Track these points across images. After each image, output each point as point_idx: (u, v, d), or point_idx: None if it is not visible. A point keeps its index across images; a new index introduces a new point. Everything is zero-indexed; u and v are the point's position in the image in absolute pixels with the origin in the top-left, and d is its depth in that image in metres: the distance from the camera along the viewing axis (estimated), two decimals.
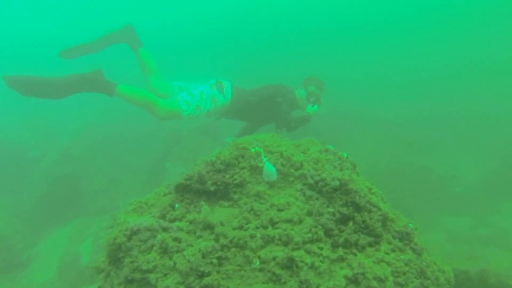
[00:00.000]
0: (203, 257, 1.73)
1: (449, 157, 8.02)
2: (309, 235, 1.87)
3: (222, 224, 1.90)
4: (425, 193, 6.93)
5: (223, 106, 4.58)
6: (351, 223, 1.95)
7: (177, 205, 2.01)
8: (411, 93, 11.73)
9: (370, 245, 1.94)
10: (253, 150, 2.09)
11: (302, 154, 2.20)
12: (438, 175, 7.31)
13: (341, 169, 2.11)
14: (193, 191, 2.05)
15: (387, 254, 1.89)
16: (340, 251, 1.84)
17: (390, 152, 7.43)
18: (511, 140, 8.07)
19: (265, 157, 2.10)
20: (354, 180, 2.02)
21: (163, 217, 1.98)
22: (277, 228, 1.91)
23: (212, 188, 2.03)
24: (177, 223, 1.94)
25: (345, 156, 2.20)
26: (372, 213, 1.96)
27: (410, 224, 2.04)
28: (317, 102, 4.73)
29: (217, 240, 1.83)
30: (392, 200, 6.73)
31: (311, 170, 2.06)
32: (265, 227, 1.92)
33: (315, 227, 1.89)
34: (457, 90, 11.55)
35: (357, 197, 1.96)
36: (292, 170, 2.11)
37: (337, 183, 1.97)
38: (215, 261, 1.73)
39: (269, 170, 2.06)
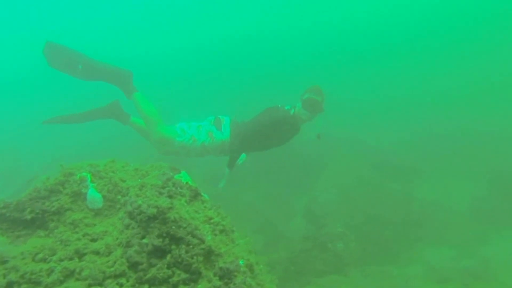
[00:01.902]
0: None
1: (434, 183, 7.48)
2: (112, 269, 1.68)
3: (23, 256, 1.75)
4: (406, 223, 6.40)
5: (221, 142, 4.45)
6: (168, 256, 1.74)
7: None
8: (397, 116, 11.31)
9: (184, 283, 1.71)
10: (78, 175, 1.95)
11: (139, 180, 2.04)
12: (421, 203, 6.78)
13: (170, 196, 1.92)
14: (9, 220, 1.92)
15: None
16: None
17: (369, 179, 7.01)
18: (502, 166, 7.44)
19: (92, 182, 1.95)
20: (176, 209, 1.82)
21: None
22: (84, 260, 1.74)
23: (29, 217, 1.89)
24: None
25: (184, 182, 2.02)
26: (191, 247, 1.74)
27: (240, 261, 1.79)
28: (317, 109, 4.37)
29: (4, 276, 1.66)
30: (368, 231, 6.26)
31: (133, 196, 1.88)
32: (71, 259, 1.74)
33: (121, 259, 1.70)
34: (446, 114, 11.02)
35: (173, 227, 1.76)
36: (119, 197, 1.94)
37: (153, 211, 1.78)
38: None
39: (93, 197, 1.91)
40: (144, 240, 1.77)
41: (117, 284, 1.64)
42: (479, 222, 6.63)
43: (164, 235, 1.76)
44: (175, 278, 1.69)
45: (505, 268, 5.27)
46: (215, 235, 1.85)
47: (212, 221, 1.92)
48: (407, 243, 6.10)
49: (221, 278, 1.72)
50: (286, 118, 4.39)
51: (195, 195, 2.04)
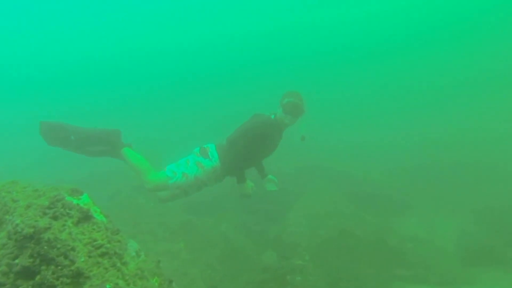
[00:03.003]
0: None
1: (419, 217, 7.28)
2: None
3: None
4: (382, 259, 6.18)
5: (213, 169, 4.47)
6: (37, 277, 1.74)
7: None
8: (385, 147, 11.23)
9: None
10: None
11: (33, 201, 2.07)
12: (400, 238, 6.57)
13: (55, 217, 1.94)
14: None
15: None
16: None
17: (345, 210, 6.89)
18: (494, 199, 7.22)
19: None
20: (53, 229, 1.83)
21: None
22: None
23: None
24: None
25: (75, 202, 2.04)
26: (60, 268, 1.74)
27: (107, 285, 1.77)
28: (298, 112, 4.42)
29: None
30: (339, 265, 6.07)
31: (16, 216, 1.91)
32: None
33: None
34: (435, 144, 10.90)
35: (45, 247, 1.77)
36: (7, 217, 1.97)
37: (29, 231, 1.80)
38: None
39: None
40: (16, 261, 1.78)
41: None
42: (465, 260, 6.35)
43: (35, 255, 1.77)
44: None
45: None
46: (90, 257, 1.85)
47: (95, 243, 1.93)
48: (382, 281, 5.86)
49: None
50: (267, 121, 4.45)
51: (86, 217, 2.06)
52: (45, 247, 1.77)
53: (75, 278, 1.76)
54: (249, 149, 4.38)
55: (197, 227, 6.91)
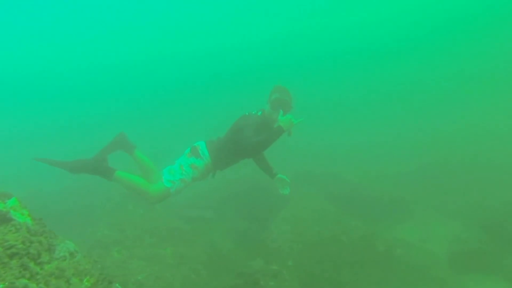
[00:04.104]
0: None
1: (412, 221, 7.05)
2: None
3: None
4: (366, 264, 6.04)
5: (205, 166, 4.55)
6: None
7: None
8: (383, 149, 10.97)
9: None
10: None
11: None
12: (388, 243, 6.39)
13: None
14: None
15: None
16: None
17: (331, 216, 6.79)
18: (493, 203, 6.90)
19: None
20: None
21: None
22: None
23: None
24: None
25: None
26: None
27: (0, 284, 1.88)
28: (286, 108, 4.39)
29: None
30: (319, 272, 6.00)
31: None
32: None
33: None
34: (438, 143, 10.53)
35: None
36: None
37: None
38: None
39: None
40: None
41: None
42: (455, 266, 6.14)
43: None
44: None
45: None
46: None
47: (5, 244, 2.04)
48: (363, 287, 5.74)
49: None
50: (251, 117, 4.41)
51: (4, 219, 2.18)
52: None
53: None
54: (238, 148, 4.37)
55: (185, 233, 7.01)
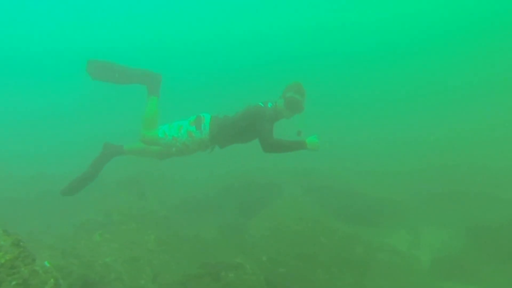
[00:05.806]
0: None
1: (404, 227, 6.79)
2: None
3: None
4: (344, 266, 5.92)
5: (200, 140, 4.70)
6: None
7: None
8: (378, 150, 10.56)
9: None
10: None
11: None
12: (369, 248, 6.21)
13: None
14: None
15: None
16: None
17: (316, 217, 6.71)
18: (487, 210, 6.51)
19: None
20: None
21: None
22: None
23: None
24: None
25: None
26: None
27: None
28: (299, 110, 4.48)
29: None
30: (294, 271, 6.01)
31: None
32: None
33: None
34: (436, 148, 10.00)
35: None
36: None
37: None
38: None
39: None
40: None
41: None
42: (435, 273, 5.88)
43: None
44: None
45: None
46: None
47: None
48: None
49: None
50: (264, 110, 4.40)
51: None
52: None
53: None
54: (243, 133, 4.60)
55: (172, 222, 7.22)
